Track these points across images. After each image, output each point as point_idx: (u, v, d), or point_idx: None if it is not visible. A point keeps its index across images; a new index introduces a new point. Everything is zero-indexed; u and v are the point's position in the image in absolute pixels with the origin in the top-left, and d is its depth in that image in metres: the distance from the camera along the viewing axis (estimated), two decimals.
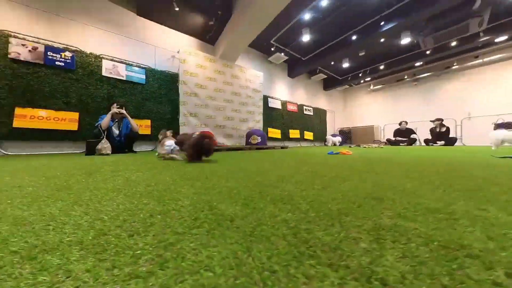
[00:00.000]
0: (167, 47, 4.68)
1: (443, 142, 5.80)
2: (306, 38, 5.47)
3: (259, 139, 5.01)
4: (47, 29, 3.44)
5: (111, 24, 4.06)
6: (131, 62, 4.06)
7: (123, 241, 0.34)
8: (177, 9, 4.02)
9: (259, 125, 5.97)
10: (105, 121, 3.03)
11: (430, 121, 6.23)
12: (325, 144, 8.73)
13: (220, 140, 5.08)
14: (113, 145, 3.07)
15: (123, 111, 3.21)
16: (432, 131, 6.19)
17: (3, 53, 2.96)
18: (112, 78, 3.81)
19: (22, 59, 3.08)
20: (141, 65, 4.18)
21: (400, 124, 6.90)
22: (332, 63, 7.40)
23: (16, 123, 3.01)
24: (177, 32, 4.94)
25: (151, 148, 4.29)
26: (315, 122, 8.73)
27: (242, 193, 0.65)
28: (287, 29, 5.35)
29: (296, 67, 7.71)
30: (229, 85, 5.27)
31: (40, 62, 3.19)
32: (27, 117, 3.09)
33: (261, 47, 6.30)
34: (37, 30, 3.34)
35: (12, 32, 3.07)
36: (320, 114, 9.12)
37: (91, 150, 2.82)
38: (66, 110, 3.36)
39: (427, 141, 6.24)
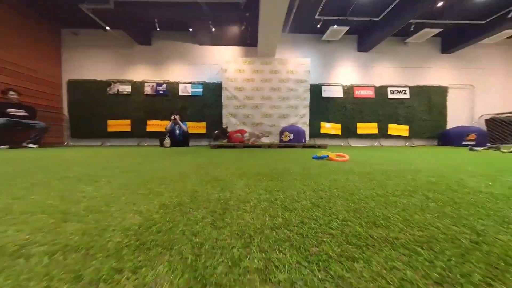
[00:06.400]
0: (218, 62, 5.78)
1: None
2: None
3: (291, 136, 4.61)
4: (156, 72, 5.87)
5: (185, 57, 5.90)
6: (194, 81, 5.66)
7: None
8: (213, 29, 4.90)
9: (304, 120, 5.32)
10: (167, 126, 4.69)
11: None
12: (469, 148, 5.43)
13: (257, 137, 5.33)
14: (175, 141, 4.67)
15: (176, 118, 4.70)
16: None
17: (142, 91, 5.64)
18: (184, 95, 5.62)
19: (149, 93, 5.65)
20: (200, 82, 5.66)
21: None
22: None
23: (148, 128, 5.61)
24: (225, 47, 5.88)
25: (206, 143, 5.69)
26: (417, 110, 5.77)
27: None
28: None
29: (367, 37, 5.56)
30: (267, 82, 5.30)
31: (154, 94, 5.62)
32: (150, 125, 5.62)
33: (309, 28, 5.41)
34: (152, 75, 5.84)
35: (145, 80, 5.72)
36: (432, 94, 5.80)
37: (161, 144, 4.56)
38: (162, 120, 5.58)
39: None
